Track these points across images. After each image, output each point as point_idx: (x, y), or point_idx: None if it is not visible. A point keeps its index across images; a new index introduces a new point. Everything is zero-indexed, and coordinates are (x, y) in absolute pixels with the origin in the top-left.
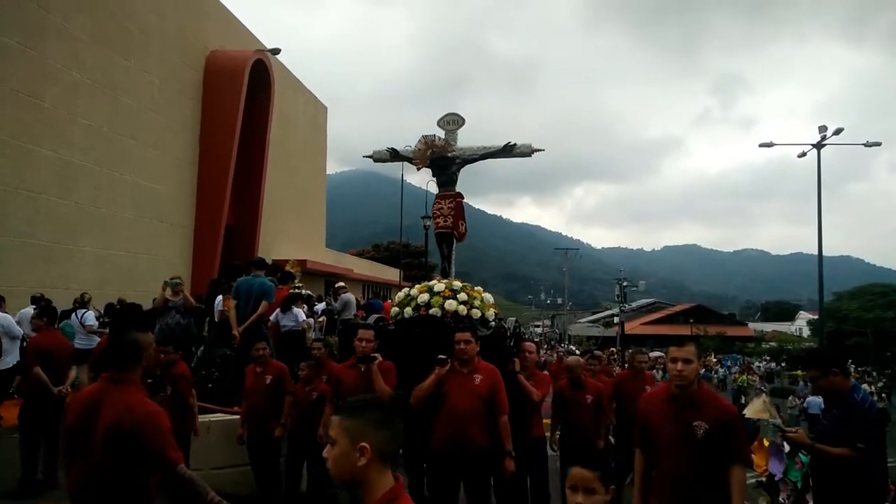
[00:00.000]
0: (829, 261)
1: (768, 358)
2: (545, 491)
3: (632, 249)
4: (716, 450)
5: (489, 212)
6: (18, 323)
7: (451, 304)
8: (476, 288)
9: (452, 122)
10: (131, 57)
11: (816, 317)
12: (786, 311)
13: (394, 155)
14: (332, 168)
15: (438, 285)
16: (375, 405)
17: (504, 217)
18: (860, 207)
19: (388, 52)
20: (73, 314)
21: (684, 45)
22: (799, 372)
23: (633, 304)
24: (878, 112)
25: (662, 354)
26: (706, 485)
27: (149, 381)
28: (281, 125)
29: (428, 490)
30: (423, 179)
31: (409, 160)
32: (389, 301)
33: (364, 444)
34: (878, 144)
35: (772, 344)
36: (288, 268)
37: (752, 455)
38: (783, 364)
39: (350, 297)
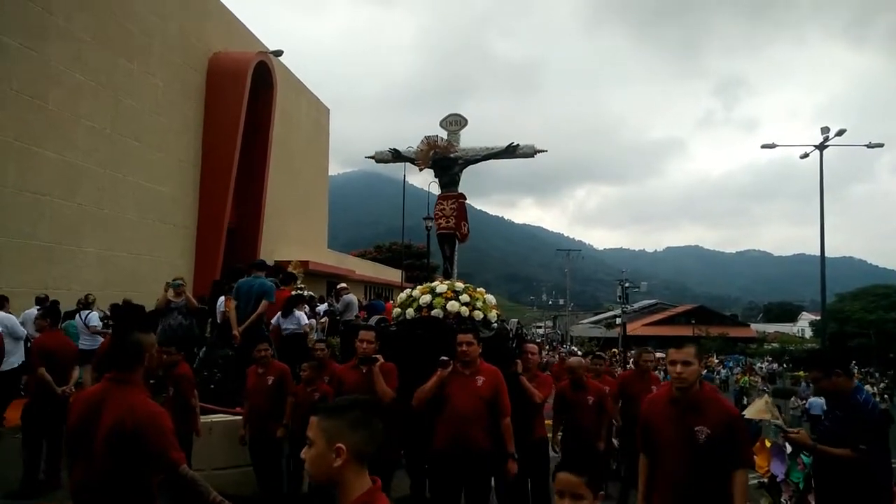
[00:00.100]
0: (832, 262)
1: (770, 359)
2: (547, 493)
3: (634, 250)
4: (718, 454)
5: (491, 213)
6: (22, 324)
7: (453, 306)
8: (478, 289)
9: (455, 122)
10: (134, 58)
11: (819, 318)
12: (788, 313)
13: (396, 156)
14: (335, 169)
15: (440, 286)
16: (353, 406)
17: (506, 218)
18: (863, 209)
19: (390, 53)
20: (78, 315)
21: (686, 47)
22: (801, 373)
23: (635, 305)
24: (880, 113)
25: (663, 355)
26: (708, 488)
27: (151, 381)
28: (283, 126)
29: (430, 492)
30: (425, 180)
31: (412, 161)
32: (391, 302)
33: (340, 444)
34: (881, 146)
35: (774, 345)
36: (290, 269)
37: (755, 456)
38: (785, 365)
39: (352, 298)
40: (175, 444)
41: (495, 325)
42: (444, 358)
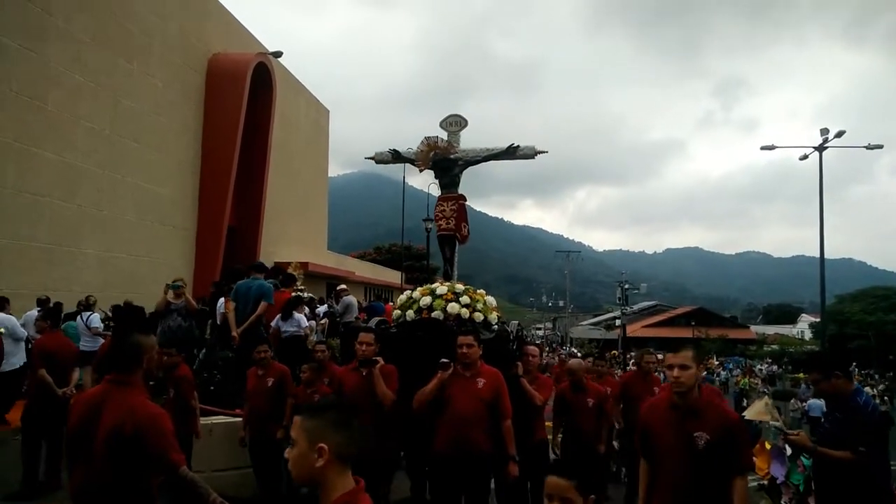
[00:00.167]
0: (831, 263)
1: (770, 361)
2: None
3: (633, 252)
4: (717, 460)
5: (491, 214)
6: (23, 325)
7: (453, 307)
8: (479, 291)
9: (455, 123)
10: (133, 59)
11: (818, 319)
12: (788, 314)
13: (396, 156)
14: (334, 171)
15: (441, 288)
16: (335, 407)
17: (506, 220)
18: (862, 210)
19: (390, 54)
20: (79, 316)
21: (686, 48)
22: (801, 375)
23: (635, 307)
24: (880, 114)
25: (662, 357)
26: (708, 494)
27: (151, 383)
28: (283, 128)
29: (430, 494)
30: (424, 182)
31: (412, 162)
32: (391, 304)
33: (322, 445)
34: (880, 147)
35: (774, 347)
36: (290, 270)
37: (755, 458)
38: (785, 367)
39: (352, 299)
40: (175, 445)
41: (496, 326)
42: (445, 360)
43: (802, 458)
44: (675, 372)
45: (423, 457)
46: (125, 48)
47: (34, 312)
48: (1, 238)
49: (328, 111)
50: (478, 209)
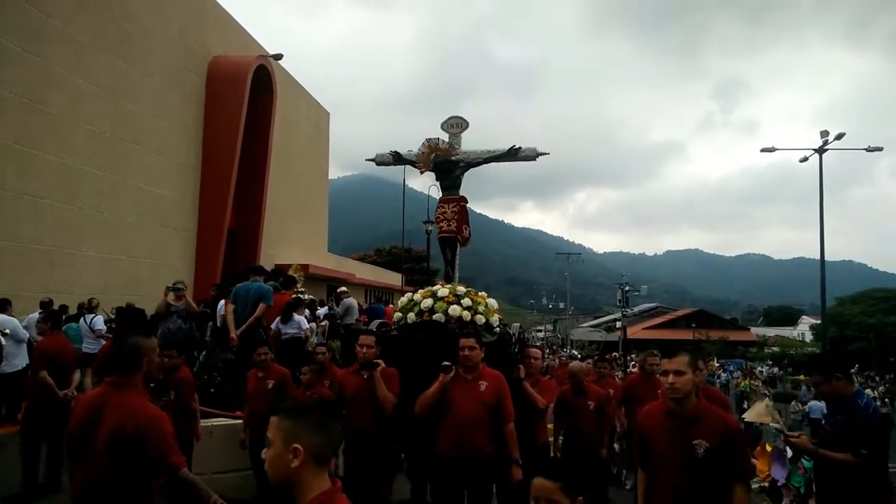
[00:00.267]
0: (832, 265)
1: (770, 363)
2: None
3: (634, 254)
4: (717, 468)
5: (491, 216)
6: (26, 327)
7: (454, 310)
8: (480, 293)
9: (456, 125)
10: (134, 62)
11: (819, 322)
12: (788, 316)
13: (397, 158)
14: (335, 173)
15: (442, 290)
16: (311, 408)
17: (506, 222)
18: (862, 212)
19: (390, 56)
20: (82, 319)
21: (686, 49)
22: (801, 377)
23: (635, 309)
24: (881, 116)
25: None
26: (707, 503)
27: (151, 385)
28: (283, 130)
29: (431, 497)
30: (424, 184)
31: (413, 164)
32: (391, 306)
33: (297, 445)
34: (880, 149)
35: (774, 349)
36: (290, 272)
37: (755, 460)
38: (785, 369)
39: (352, 301)
40: (175, 447)
41: (498, 329)
42: (447, 363)
43: (803, 460)
44: (671, 378)
45: (424, 460)
46: (126, 51)
47: (36, 315)
48: (2, 240)
49: (328, 113)
50: (478, 211)
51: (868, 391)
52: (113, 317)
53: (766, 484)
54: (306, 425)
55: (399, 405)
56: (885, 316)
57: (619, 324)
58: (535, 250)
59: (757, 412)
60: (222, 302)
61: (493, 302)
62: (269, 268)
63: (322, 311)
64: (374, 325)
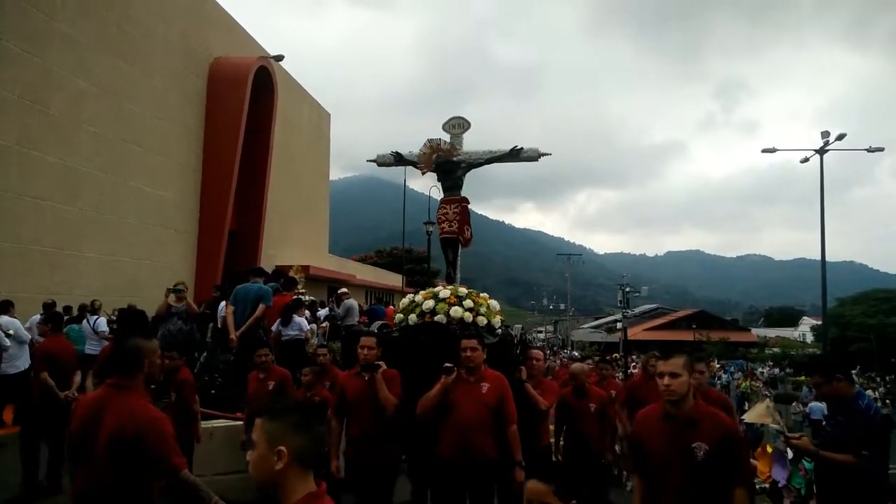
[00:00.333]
0: (833, 266)
1: (771, 364)
2: None
3: (634, 255)
4: (717, 471)
5: (492, 217)
6: (28, 329)
7: (456, 311)
8: (482, 294)
9: (458, 125)
10: (135, 63)
11: (820, 322)
12: (789, 317)
13: (398, 159)
14: (336, 174)
15: (444, 291)
16: (295, 409)
17: (507, 223)
18: (864, 213)
19: (391, 58)
20: (85, 320)
21: (686, 50)
22: (803, 378)
23: (636, 310)
24: (881, 116)
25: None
26: None
27: (152, 386)
28: (284, 131)
29: (432, 499)
30: (425, 185)
31: (414, 164)
32: (392, 307)
33: (281, 447)
34: (881, 150)
35: (775, 350)
36: (291, 273)
37: (756, 462)
38: (787, 370)
39: (353, 302)
40: (176, 449)
41: (499, 330)
42: (448, 364)
43: (804, 461)
44: (666, 380)
45: (426, 461)
46: (127, 52)
47: (38, 316)
48: (2, 241)
49: (329, 114)
50: (479, 212)
51: (869, 392)
52: (114, 318)
53: (767, 485)
54: (290, 427)
55: (400, 407)
56: (886, 317)
57: (619, 325)
58: (536, 251)
59: (757, 413)
60: (223, 303)
61: (494, 303)
62: (269, 269)
63: (322, 312)
64: (375, 326)
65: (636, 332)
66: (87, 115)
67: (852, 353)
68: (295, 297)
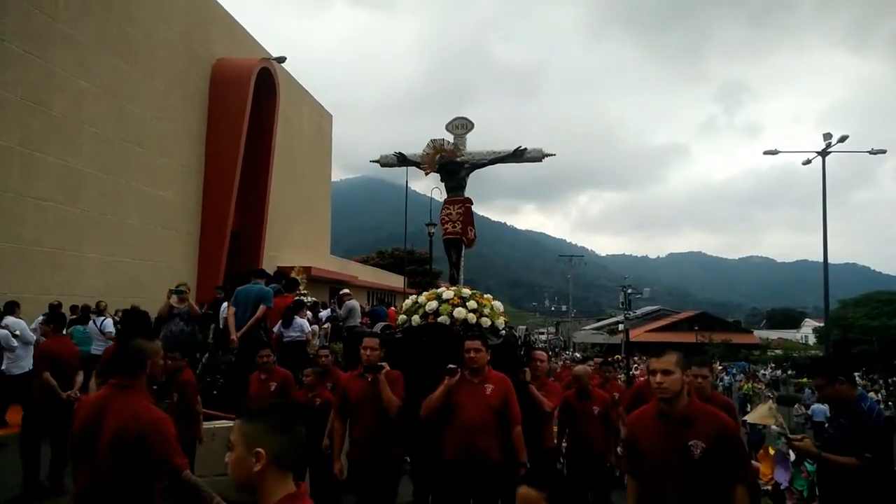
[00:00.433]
0: (835, 268)
1: (773, 365)
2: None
3: (636, 256)
4: (715, 470)
5: (494, 219)
6: (34, 330)
7: (460, 312)
8: (486, 295)
9: (461, 125)
10: (137, 64)
11: (822, 324)
12: (791, 319)
13: (401, 159)
14: (337, 175)
15: (447, 293)
16: (273, 411)
17: (509, 224)
18: (866, 215)
19: (392, 59)
20: (92, 321)
21: (688, 53)
22: (805, 380)
23: (638, 312)
24: (883, 118)
25: None
26: None
27: (154, 387)
28: (286, 132)
29: (434, 501)
30: (427, 186)
31: (417, 165)
32: (393, 308)
33: (259, 449)
34: (883, 152)
35: (777, 351)
36: (293, 274)
37: (758, 463)
38: (789, 372)
39: (354, 303)
40: (178, 449)
41: (503, 332)
42: (452, 366)
43: (806, 464)
44: (658, 377)
45: (429, 463)
46: (129, 53)
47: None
48: (4, 242)
49: (331, 116)
50: (481, 214)
51: (871, 394)
52: (118, 319)
53: (769, 487)
54: (268, 429)
55: (403, 408)
56: (889, 319)
57: (621, 326)
58: (538, 253)
59: (760, 414)
60: (225, 304)
61: (498, 304)
62: (271, 270)
63: (324, 313)
64: (378, 327)
65: (638, 334)
66: (89, 116)
67: (855, 356)
68: (296, 298)
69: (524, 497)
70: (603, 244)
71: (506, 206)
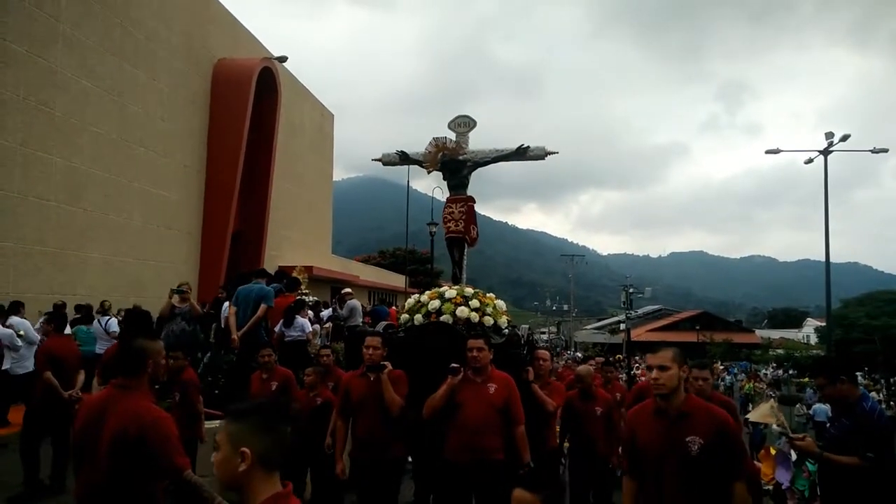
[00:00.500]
0: (837, 267)
1: (775, 365)
2: None
3: (637, 256)
4: (714, 467)
5: (495, 218)
6: (38, 330)
7: (462, 311)
8: (488, 294)
9: (464, 123)
10: (140, 65)
11: (824, 324)
12: (793, 318)
13: (403, 158)
14: (339, 175)
15: (450, 291)
16: (258, 410)
17: (510, 223)
18: (868, 213)
19: (393, 58)
20: (97, 321)
21: (689, 52)
22: (806, 379)
23: (639, 311)
24: (884, 117)
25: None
26: None
27: (156, 386)
28: (287, 132)
29: (436, 501)
30: (428, 186)
31: (420, 163)
32: (395, 308)
33: (245, 449)
34: (885, 151)
35: (779, 351)
36: (294, 274)
37: (760, 463)
38: (790, 372)
39: (356, 303)
40: (180, 449)
41: (506, 331)
42: (455, 365)
43: (808, 463)
44: (654, 373)
45: (431, 462)
46: (131, 54)
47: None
48: (7, 242)
49: (332, 115)
50: (482, 213)
51: (873, 394)
52: (121, 319)
53: (771, 487)
54: (254, 428)
55: (406, 407)
56: (891, 318)
57: (622, 326)
58: (539, 252)
59: (761, 413)
60: (226, 304)
61: (501, 303)
62: (272, 269)
63: (325, 313)
64: (380, 326)
65: (639, 333)
66: (91, 117)
67: (856, 355)
68: (298, 297)
69: (519, 500)
70: (604, 243)
71: (507, 206)
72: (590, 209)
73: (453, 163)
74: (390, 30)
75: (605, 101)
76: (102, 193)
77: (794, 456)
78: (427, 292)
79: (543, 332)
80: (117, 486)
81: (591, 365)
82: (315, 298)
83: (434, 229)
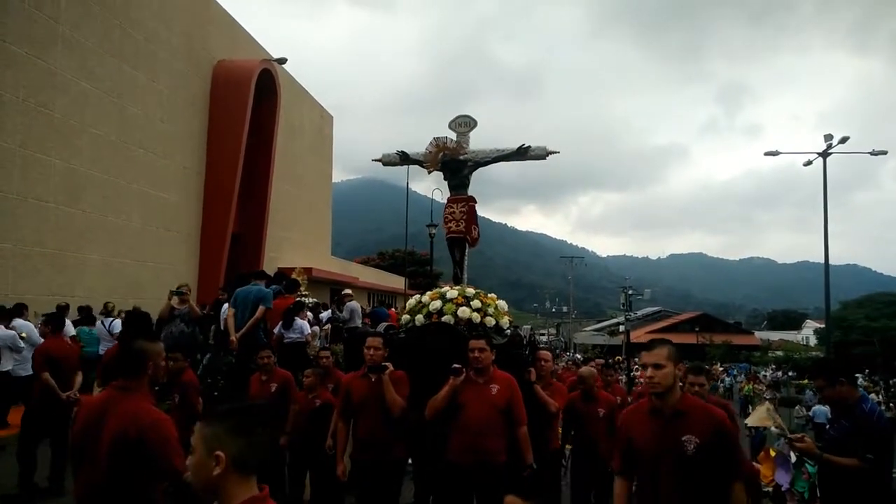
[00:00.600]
0: (836, 269)
1: (774, 367)
2: None
3: (637, 257)
4: (710, 465)
5: (494, 220)
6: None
7: (464, 312)
8: (490, 295)
9: (464, 123)
10: (139, 66)
11: (823, 325)
12: (792, 320)
13: (404, 158)
14: (338, 176)
15: (451, 292)
16: (233, 413)
17: (509, 225)
18: (867, 216)
19: (393, 59)
20: (100, 322)
21: (688, 53)
22: (806, 381)
23: (639, 313)
24: (884, 119)
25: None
26: None
27: (156, 388)
28: (287, 134)
29: (437, 502)
30: (428, 187)
31: (420, 163)
32: (394, 309)
33: (219, 452)
34: (885, 153)
35: (778, 353)
36: (294, 276)
37: (759, 465)
38: (790, 374)
39: (356, 305)
40: (179, 451)
41: (508, 331)
42: (457, 366)
43: (807, 465)
44: (649, 371)
45: (432, 463)
46: (131, 56)
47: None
48: (6, 243)
49: (332, 117)
50: (481, 215)
51: (872, 396)
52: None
53: (770, 489)
54: (229, 431)
55: (407, 408)
56: (890, 320)
57: (622, 327)
58: (539, 254)
59: (758, 416)
60: (225, 305)
61: (503, 304)
62: (272, 271)
63: (325, 314)
64: (381, 327)
65: (639, 335)
66: (91, 118)
67: (856, 357)
68: (297, 299)
69: None
70: (603, 245)
71: (506, 207)
72: (589, 211)
73: (454, 163)
74: (390, 30)
75: (605, 102)
76: (101, 195)
77: (793, 457)
78: (428, 293)
79: (543, 334)
80: (117, 487)
81: (591, 366)
82: (314, 300)
83: (434, 231)
